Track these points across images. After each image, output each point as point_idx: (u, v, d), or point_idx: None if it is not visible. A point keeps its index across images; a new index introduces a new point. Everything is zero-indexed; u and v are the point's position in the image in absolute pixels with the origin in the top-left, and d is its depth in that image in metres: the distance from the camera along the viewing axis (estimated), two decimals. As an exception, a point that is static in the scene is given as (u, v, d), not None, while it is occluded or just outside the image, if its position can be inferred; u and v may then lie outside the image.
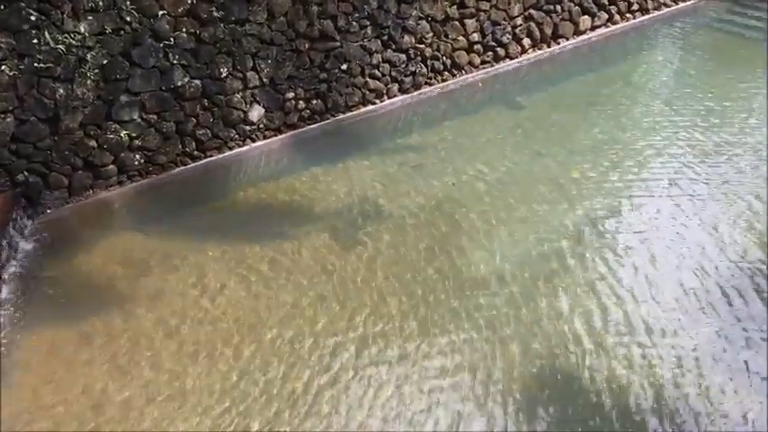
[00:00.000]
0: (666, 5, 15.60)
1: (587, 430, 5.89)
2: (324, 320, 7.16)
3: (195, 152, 9.99)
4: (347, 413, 6.14)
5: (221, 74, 9.75)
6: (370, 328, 7.04)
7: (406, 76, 11.80)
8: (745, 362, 6.51)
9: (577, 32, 13.98)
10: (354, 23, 10.85)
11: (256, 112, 10.32)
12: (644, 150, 10.22)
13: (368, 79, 11.34)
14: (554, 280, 7.63)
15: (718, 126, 10.82)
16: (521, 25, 13.04)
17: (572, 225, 8.55)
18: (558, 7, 13.48)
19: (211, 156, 10.16)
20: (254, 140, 10.47)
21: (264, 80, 10.20)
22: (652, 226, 8.52)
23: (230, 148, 10.29)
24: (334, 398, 6.29)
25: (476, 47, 12.55)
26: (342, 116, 11.27)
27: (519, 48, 13.18)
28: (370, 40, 11.13)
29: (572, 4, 13.66)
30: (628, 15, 14.85)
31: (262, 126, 10.46)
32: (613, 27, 14.57)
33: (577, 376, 6.41)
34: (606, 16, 14.38)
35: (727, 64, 13.36)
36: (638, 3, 14.93)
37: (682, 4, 15.88)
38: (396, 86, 11.76)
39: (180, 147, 9.82)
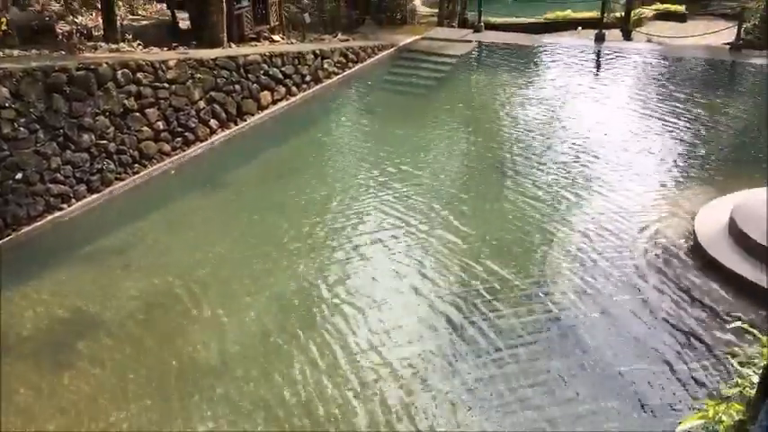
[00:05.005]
0: (336, 73, 17.08)
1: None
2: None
3: None
4: None
5: None
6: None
7: (92, 174, 11.13)
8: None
9: (261, 108, 14.61)
10: (23, 129, 10.00)
11: None
12: (348, 202, 10.97)
13: (49, 185, 10.46)
14: (289, 351, 7.68)
15: (407, 169, 12.08)
16: (204, 108, 13.21)
17: (292, 294, 8.71)
18: (238, 86, 13.98)
19: None
20: None
21: None
22: (370, 277, 9.07)
23: None
24: None
25: (163, 135, 12.37)
26: (26, 228, 10.19)
27: (207, 129, 13.31)
28: (44, 144, 10.31)
29: (250, 83, 14.27)
30: (304, 86, 15.96)
31: (-75, 258, 9.00)
32: (293, 99, 15.52)
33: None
34: (284, 89, 15.29)
35: (397, 117, 15.11)
36: (310, 74, 16.14)
37: (348, 71, 17.53)
38: (83, 187, 11.01)
39: None
